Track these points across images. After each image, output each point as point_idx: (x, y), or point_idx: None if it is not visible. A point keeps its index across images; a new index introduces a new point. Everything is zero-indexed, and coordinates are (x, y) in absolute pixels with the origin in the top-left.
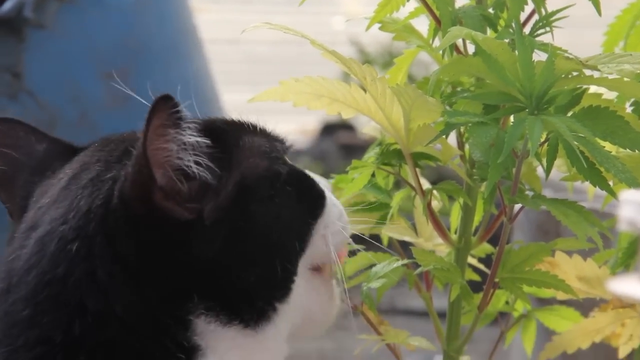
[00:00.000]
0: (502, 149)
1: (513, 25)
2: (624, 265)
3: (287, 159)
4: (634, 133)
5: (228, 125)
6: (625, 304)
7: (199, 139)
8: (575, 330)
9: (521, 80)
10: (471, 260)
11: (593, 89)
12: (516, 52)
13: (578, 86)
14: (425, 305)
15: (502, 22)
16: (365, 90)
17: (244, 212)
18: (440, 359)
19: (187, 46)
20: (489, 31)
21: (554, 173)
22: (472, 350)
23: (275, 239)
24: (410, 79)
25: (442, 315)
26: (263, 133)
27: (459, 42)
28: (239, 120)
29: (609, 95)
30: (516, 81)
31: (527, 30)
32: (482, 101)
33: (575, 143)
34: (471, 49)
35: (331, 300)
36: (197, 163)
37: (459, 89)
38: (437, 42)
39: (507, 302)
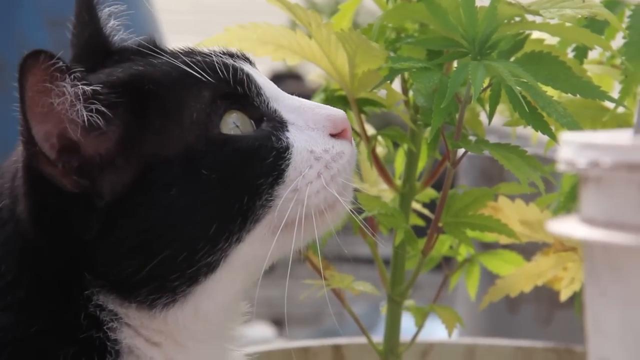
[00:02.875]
0: (445, 94)
1: None
2: (565, 208)
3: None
4: (575, 78)
5: (154, 79)
6: (567, 248)
7: (87, 88)
8: (517, 274)
9: (464, 25)
10: (415, 206)
11: (535, 34)
12: None
13: (520, 32)
14: (371, 252)
15: None
16: (310, 37)
17: (140, 198)
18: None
19: None
20: None
21: (498, 119)
22: (417, 296)
23: (181, 230)
24: (358, 27)
25: (386, 262)
26: (212, 83)
27: None
28: (178, 69)
29: (551, 40)
30: (459, 26)
31: None
32: (426, 47)
33: (518, 88)
34: None
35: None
36: (89, 118)
37: (402, 35)
38: None
39: (451, 247)
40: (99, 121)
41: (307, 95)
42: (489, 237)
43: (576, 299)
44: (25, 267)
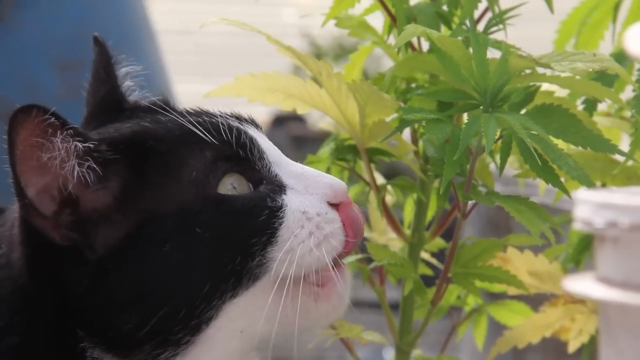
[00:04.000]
0: (457, 145)
1: (467, 22)
2: (574, 261)
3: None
4: (585, 131)
5: (155, 136)
6: (575, 300)
7: (81, 145)
8: (525, 324)
9: (476, 77)
10: (424, 255)
11: (545, 86)
12: (470, 49)
13: (531, 84)
14: (379, 299)
15: (456, 20)
16: (320, 85)
17: (133, 253)
18: (389, 351)
19: (140, 37)
20: (443, 28)
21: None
22: (423, 343)
23: (175, 287)
24: (363, 73)
25: (394, 307)
26: (215, 144)
27: (414, 39)
28: (183, 128)
29: (561, 93)
30: (471, 78)
31: (480, 27)
32: (437, 98)
33: (529, 140)
34: (425, 46)
35: (313, 304)
36: (82, 175)
37: (413, 85)
38: (391, 39)
39: (459, 297)
40: (92, 178)
41: (311, 138)
42: (498, 287)
43: (584, 350)
44: (20, 313)
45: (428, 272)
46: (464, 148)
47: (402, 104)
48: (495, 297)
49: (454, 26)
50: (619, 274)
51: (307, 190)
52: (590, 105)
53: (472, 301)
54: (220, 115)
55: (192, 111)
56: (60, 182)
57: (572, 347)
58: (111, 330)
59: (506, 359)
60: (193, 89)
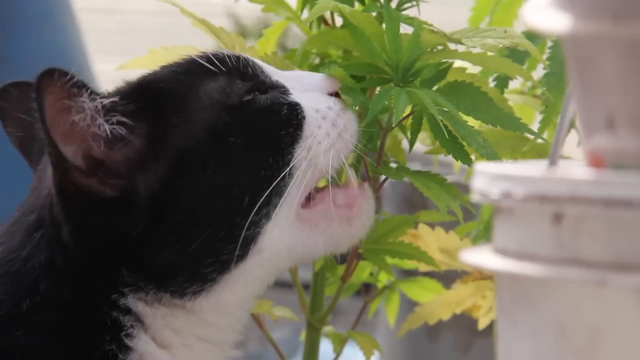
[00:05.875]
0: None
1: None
2: (485, 237)
3: (251, 86)
4: (496, 109)
5: (163, 78)
6: (485, 276)
7: (104, 101)
8: (436, 301)
9: (388, 52)
10: None
11: (458, 63)
12: (383, 25)
13: (443, 60)
14: (291, 277)
15: None
16: None
17: (181, 183)
18: None
19: (59, 15)
20: (357, 4)
21: (422, 147)
22: (338, 322)
23: (221, 206)
24: (286, 51)
25: (307, 286)
26: (224, 71)
27: (327, 14)
28: (195, 62)
29: (473, 69)
30: (383, 53)
31: (393, 5)
32: (349, 72)
33: (439, 117)
34: (339, 21)
35: (338, 225)
36: (111, 129)
37: (326, 60)
38: (305, 15)
39: (371, 274)
40: (121, 131)
41: None
42: (409, 264)
43: (494, 327)
44: (60, 286)
45: None
46: (371, 118)
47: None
48: (408, 275)
49: (367, 2)
50: (514, 245)
51: (306, 88)
52: (502, 83)
53: (384, 278)
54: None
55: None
56: (95, 139)
57: (482, 324)
58: (155, 263)
59: (420, 337)
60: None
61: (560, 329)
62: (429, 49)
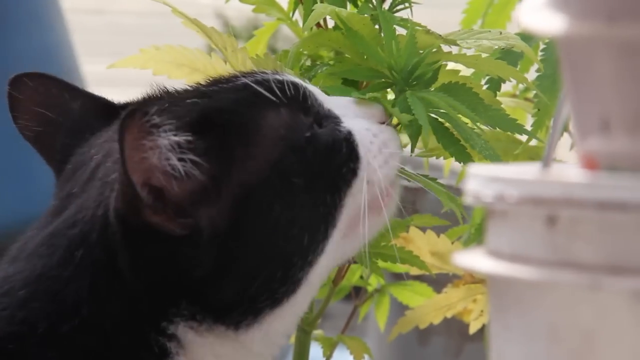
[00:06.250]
0: None
1: (373, 1)
2: (476, 241)
3: (314, 125)
4: (492, 110)
5: (234, 106)
6: (476, 280)
7: (179, 139)
8: (427, 305)
9: (388, 55)
10: None
11: (450, 66)
12: (376, 27)
13: (435, 62)
14: None
15: None
16: (226, 61)
17: (245, 222)
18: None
19: (47, 15)
20: (349, 6)
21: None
22: (328, 325)
23: (284, 243)
24: (277, 53)
25: None
26: (285, 102)
27: None
28: (253, 89)
29: (466, 72)
30: (387, 57)
31: (386, 7)
32: (347, 76)
33: (441, 120)
34: (331, 22)
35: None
36: (183, 168)
37: (318, 62)
38: (296, 15)
39: (361, 277)
40: (193, 171)
41: None
42: (400, 268)
43: (486, 331)
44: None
45: None
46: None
47: (307, 81)
48: (399, 278)
49: (359, 4)
50: (507, 248)
51: (357, 116)
52: (495, 85)
53: (374, 282)
54: (259, 73)
55: (233, 76)
56: (167, 177)
57: (473, 328)
58: (215, 299)
59: (411, 342)
60: (106, 70)
61: (554, 332)
62: (422, 51)
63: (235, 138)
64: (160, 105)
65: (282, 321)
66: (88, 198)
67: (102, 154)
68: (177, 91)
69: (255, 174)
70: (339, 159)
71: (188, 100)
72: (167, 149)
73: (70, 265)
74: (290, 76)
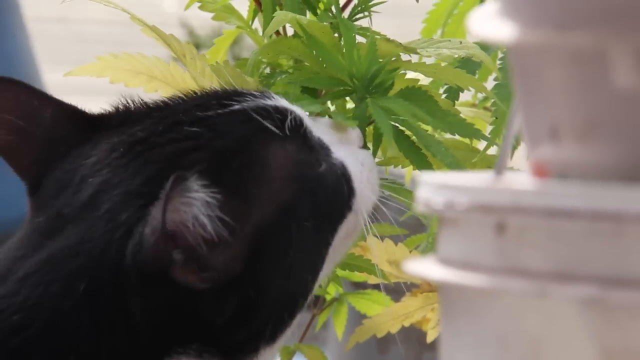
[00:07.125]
0: None
1: (332, 9)
2: (433, 249)
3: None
4: (451, 116)
5: (245, 145)
6: (434, 288)
7: (208, 199)
8: (385, 314)
9: (349, 63)
10: None
11: (410, 74)
12: (336, 35)
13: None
14: None
15: (321, 6)
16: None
17: (260, 265)
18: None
19: (8, 23)
20: (308, 14)
21: None
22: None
23: (294, 285)
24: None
25: None
26: (289, 135)
27: None
28: (261, 125)
29: (425, 81)
30: (348, 64)
31: (345, 15)
32: (306, 85)
33: (402, 127)
34: (290, 30)
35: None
36: (212, 226)
37: (277, 70)
38: (256, 23)
39: (320, 285)
40: (218, 226)
41: None
42: (358, 276)
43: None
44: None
45: None
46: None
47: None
48: (359, 287)
49: (319, 12)
50: (457, 255)
51: (342, 141)
52: (453, 94)
53: (333, 290)
54: (248, 94)
55: (226, 95)
56: (196, 236)
57: (430, 337)
58: (226, 341)
59: (370, 350)
60: (69, 78)
61: (504, 340)
62: (381, 59)
63: (248, 180)
64: (195, 166)
65: (276, 348)
66: (93, 230)
67: (100, 179)
68: (169, 112)
69: (266, 216)
70: (341, 197)
71: (197, 141)
72: (199, 210)
73: (71, 298)
74: (283, 102)
